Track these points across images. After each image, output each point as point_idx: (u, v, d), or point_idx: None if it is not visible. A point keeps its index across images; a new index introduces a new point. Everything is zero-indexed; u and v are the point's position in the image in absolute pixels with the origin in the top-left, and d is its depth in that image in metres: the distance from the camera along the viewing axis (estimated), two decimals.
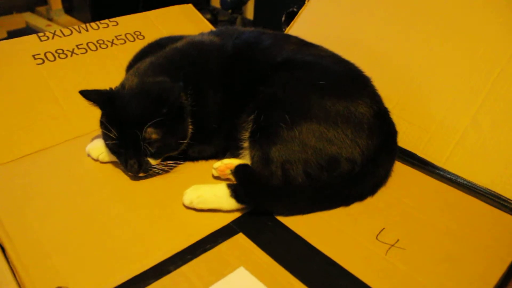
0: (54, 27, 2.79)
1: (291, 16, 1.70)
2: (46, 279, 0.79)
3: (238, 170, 0.97)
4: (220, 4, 2.96)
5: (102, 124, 1.01)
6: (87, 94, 1.00)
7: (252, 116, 1.01)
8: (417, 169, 1.11)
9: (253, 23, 3.01)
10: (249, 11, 3.09)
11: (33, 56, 1.27)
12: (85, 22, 1.42)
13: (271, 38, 1.14)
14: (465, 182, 1.06)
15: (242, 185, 0.95)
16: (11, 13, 2.98)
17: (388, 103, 1.09)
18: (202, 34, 1.21)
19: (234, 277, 0.81)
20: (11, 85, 1.20)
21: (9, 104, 1.17)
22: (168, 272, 0.81)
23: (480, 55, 1.13)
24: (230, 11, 2.98)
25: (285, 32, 1.55)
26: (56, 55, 1.29)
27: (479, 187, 1.04)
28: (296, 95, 0.99)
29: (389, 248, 0.87)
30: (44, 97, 1.21)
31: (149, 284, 0.79)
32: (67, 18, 3.00)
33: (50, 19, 2.99)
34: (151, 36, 1.32)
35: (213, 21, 2.77)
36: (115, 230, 0.91)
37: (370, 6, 1.38)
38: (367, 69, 1.10)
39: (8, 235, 0.87)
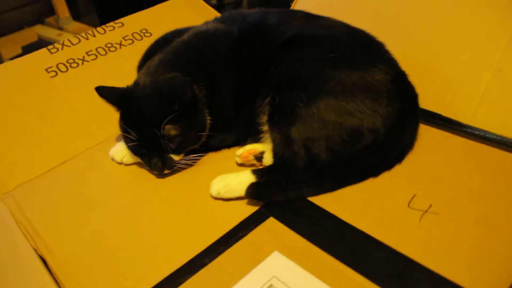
0: (66, 35, 2.81)
1: None
2: (87, 285, 0.81)
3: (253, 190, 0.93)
4: None
5: (121, 126, 1.02)
6: (102, 92, 1.00)
7: (267, 99, 0.99)
8: (443, 129, 1.08)
9: (259, 4, 2.95)
10: None
11: (46, 69, 1.28)
12: (94, 25, 1.43)
13: (276, 16, 1.11)
14: (495, 137, 1.02)
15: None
16: (22, 28, 3.02)
17: (405, 65, 1.05)
18: (206, 22, 1.20)
19: (269, 262, 0.81)
20: (28, 101, 1.22)
21: (29, 120, 1.19)
22: (204, 265, 0.82)
23: (498, 3, 1.08)
24: None
25: (291, 7, 1.51)
26: (68, 65, 1.31)
27: (510, 140, 1.00)
28: (309, 72, 0.97)
29: (423, 215, 0.86)
30: (61, 109, 1.22)
31: (186, 279, 0.80)
32: (76, 25, 3.02)
33: (60, 28, 3.01)
34: (158, 32, 1.31)
35: (219, 6, 2.73)
36: (147, 230, 0.92)
37: None
38: (379, 34, 1.07)
39: (47, 247, 0.90)
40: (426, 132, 1.06)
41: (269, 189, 0.94)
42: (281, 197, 0.94)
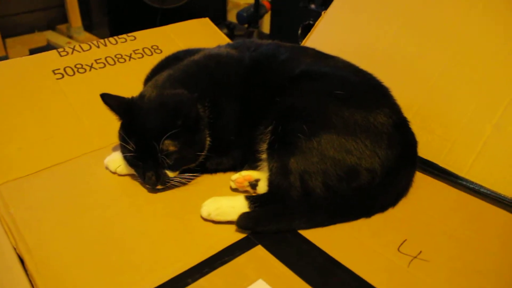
0: (74, 44, 2.85)
1: (307, 29, 1.70)
2: None
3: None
4: (237, 19, 2.98)
5: (120, 136, 1.02)
6: (107, 99, 1.00)
7: (270, 128, 1.00)
8: (438, 180, 1.09)
9: (269, 37, 3.02)
10: (266, 25, 3.11)
11: (53, 71, 1.29)
12: (104, 38, 1.44)
13: (288, 50, 1.14)
14: (488, 192, 1.03)
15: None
16: (32, 31, 3.05)
17: (407, 112, 1.07)
18: (219, 46, 1.22)
19: None
20: (31, 100, 1.22)
21: (29, 118, 1.18)
22: (186, 285, 0.80)
23: (503, 59, 1.11)
24: (246, 25, 3.00)
25: (302, 44, 1.54)
26: (75, 69, 1.31)
27: (503, 197, 1.01)
28: (314, 106, 0.98)
29: (412, 260, 0.85)
30: (63, 111, 1.22)
31: None
32: (86, 35, 3.06)
33: (70, 37, 3.04)
34: (169, 50, 1.33)
35: (229, 36, 2.78)
36: (132, 242, 0.91)
37: (387, 16, 1.37)
38: (386, 79, 1.09)
39: (27, 247, 0.88)
40: (421, 180, 1.07)
41: (260, 220, 0.93)
42: (272, 228, 0.93)
